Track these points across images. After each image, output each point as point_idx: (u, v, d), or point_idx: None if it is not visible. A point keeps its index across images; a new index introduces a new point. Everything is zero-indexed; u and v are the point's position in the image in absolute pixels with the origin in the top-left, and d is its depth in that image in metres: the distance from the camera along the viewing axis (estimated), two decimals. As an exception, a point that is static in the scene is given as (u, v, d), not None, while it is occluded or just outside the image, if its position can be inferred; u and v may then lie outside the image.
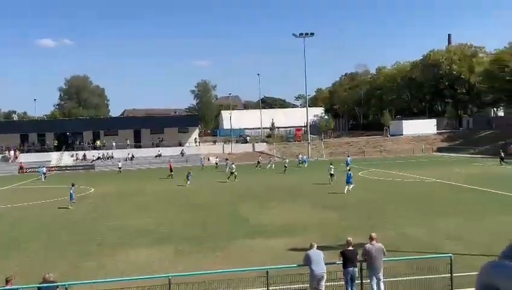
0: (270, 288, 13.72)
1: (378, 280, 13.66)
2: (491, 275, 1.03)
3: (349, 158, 42.14)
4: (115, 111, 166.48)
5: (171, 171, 53.88)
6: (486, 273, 1.05)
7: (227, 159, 65.03)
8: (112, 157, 78.00)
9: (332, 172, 42.09)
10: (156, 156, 78.78)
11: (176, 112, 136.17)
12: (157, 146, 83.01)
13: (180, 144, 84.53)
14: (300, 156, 67.47)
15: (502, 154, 57.90)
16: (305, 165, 61.09)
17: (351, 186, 35.38)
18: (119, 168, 65.06)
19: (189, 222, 26.54)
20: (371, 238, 14.15)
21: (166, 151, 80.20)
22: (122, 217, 29.01)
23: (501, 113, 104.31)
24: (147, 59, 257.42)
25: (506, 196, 31.40)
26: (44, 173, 60.39)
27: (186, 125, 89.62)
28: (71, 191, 34.03)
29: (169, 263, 18.30)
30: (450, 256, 14.29)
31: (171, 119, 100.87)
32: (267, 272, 13.81)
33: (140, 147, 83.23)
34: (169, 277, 13.62)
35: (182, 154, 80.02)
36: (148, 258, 19.19)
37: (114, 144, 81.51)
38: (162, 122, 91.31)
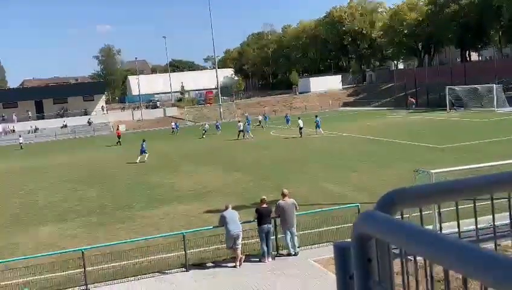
0: (188, 251, 13.75)
1: (292, 234, 14.07)
2: (365, 225, 1.08)
3: (318, 118, 43.19)
4: (13, 82, 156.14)
5: (119, 137, 51.26)
6: (359, 223, 1.10)
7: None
8: (14, 131, 73.54)
9: (241, 128, 45.14)
10: (62, 127, 75.25)
11: (77, 80, 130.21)
12: (61, 116, 79.26)
13: (86, 113, 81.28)
14: (216, 122, 66.00)
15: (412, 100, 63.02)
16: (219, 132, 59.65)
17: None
18: (20, 143, 59.50)
19: (101, 193, 25.81)
20: (283, 195, 14.49)
21: (72, 121, 76.79)
22: (30, 193, 27.63)
23: (401, 66, 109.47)
24: (44, 28, 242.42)
25: (407, 144, 33.28)
26: None
27: (91, 93, 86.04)
28: None
29: (82, 236, 17.76)
30: (358, 205, 15.00)
31: (74, 87, 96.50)
32: (183, 235, 13.80)
33: (43, 118, 79.04)
34: (83, 250, 13.26)
35: (89, 123, 77.02)
36: (59, 233, 18.51)
37: (15, 117, 76.81)
38: (64, 91, 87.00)
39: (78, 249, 13.55)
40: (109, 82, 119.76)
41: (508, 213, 1.41)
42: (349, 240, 1.18)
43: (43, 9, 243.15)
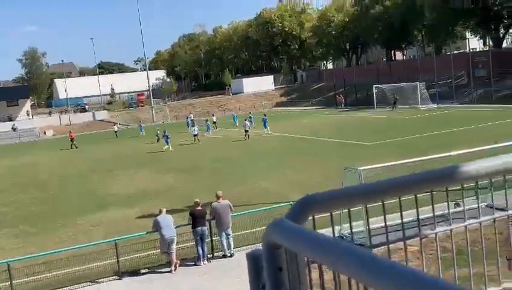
0: (121, 259, 13.46)
1: (227, 235, 14.10)
2: (273, 234, 1.09)
3: (265, 118, 43.37)
4: None
5: (72, 140, 48.88)
6: (269, 232, 1.11)
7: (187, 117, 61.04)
8: None
9: (157, 134, 43.98)
10: (-16, 134, 71.42)
11: (0, 84, 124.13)
12: (-16, 123, 75.31)
13: (11, 119, 77.64)
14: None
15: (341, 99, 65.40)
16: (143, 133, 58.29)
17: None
18: None
19: (32, 201, 24.75)
20: (217, 196, 14.49)
21: (-5, 128, 73.11)
22: None
23: (330, 66, 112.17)
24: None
25: (338, 142, 34.18)
26: None
27: (15, 98, 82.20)
28: None
29: (10, 247, 16.97)
30: (291, 204, 15.23)
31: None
32: (115, 243, 13.49)
33: (-37, 125, 74.75)
34: (8, 263, 12.68)
35: (14, 129, 73.58)
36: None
37: None
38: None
39: (3, 262, 12.94)
40: (34, 86, 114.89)
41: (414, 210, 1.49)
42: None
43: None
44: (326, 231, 1.35)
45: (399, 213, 1.60)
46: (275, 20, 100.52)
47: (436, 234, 1.67)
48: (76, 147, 47.77)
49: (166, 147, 39.24)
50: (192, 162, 32.04)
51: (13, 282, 12.38)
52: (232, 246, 14.12)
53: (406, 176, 1.35)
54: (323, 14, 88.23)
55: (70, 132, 53.27)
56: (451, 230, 1.73)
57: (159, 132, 45.38)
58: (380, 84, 59.19)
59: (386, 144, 30.67)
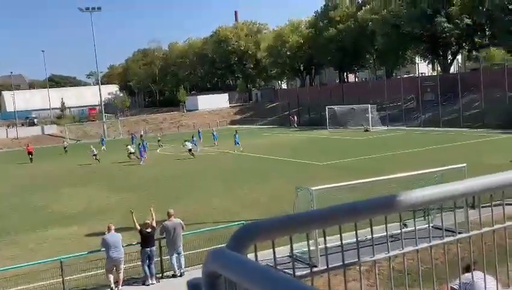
0: (66, 278, 12.99)
1: (178, 254, 13.86)
2: (214, 263, 1.08)
3: (237, 135, 42.15)
4: None
5: (31, 154, 46.57)
6: (209, 261, 1.11)
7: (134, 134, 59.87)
8: None
9: (132, 150, 42.01)
10: None
11: None
12: None
13: (-46, 131, 74.53)
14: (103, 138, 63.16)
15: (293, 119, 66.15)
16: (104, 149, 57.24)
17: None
18: None
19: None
20: (169, 215, 14.26)
21: None
22: None
23: (285, 86, 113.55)
24: None
25: (290, 161, 34.43)
26: None
27: (-41, 109, 79.13)
28: None
29: None
30: (243, 223, 15.15)
31: None
32: (60, 262, 13.03)
33: None
34: None
35: (-43, 142, 70.57)
36: None
37: None
38: None
39: None
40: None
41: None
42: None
43: None
44: (270, 252, 1.36)
45: (352, 232, 1.59)
46: (231, 38, 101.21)
47: (389, 257, 1.67)
48: (32, 161, 45.84)
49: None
50: (145, 179, 31.50)
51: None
52: (183, 265, 13.88)
53: (355, 203, 1.35)
54: (279, 35, 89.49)
55: (28, 145, 50.44)
56: (403, 254, 1.73)
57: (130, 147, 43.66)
58: (333, 105, 60.31)
59: (338, 165, 31.13)
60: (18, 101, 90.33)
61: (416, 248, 1.78)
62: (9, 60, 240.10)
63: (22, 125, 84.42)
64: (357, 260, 1.54)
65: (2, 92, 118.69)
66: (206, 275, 1.10)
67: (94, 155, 41.83)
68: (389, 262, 1.74)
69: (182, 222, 14.28)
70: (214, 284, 1.09)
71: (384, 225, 1.73)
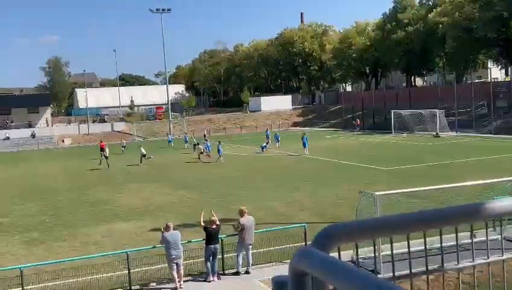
0: (132, 270, 13.45)
1: (247, 251, 14.03)
2: (301, 262, 1.08)
3: (305, 138, 41.75)
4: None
5: (102, 150, 45.33)
6: (296, 260, 1.10)
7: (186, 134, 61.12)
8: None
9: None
10: (4, 139, 72.49)
11: (22, 91, 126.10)
12: (4, 128, 76.42)
13: (31, 125, 78.75)
14: (169, 136, 65.13)
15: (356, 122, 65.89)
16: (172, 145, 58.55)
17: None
18: None
19: (43, 209, 24.92)
20: (243, 212, 14.43)
21: (15, 134, 74.17)
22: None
23: (349, 89, 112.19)
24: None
25: (352, 165, 33.97)
26: None
27: (36, 105, 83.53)
28: None
29: (21, 253, 17.07)
30: (304, 226, 15.14)
31: (18, 98, 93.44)
32: (127, 255, 13.50)
33: (-16, 129, 76.01)
34: (21, 268, 12.75)
35: (33, 136, 74.60)
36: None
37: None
38: (8, 102, 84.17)
39: (16, 267, 13.01)
40: (56, 94, 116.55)
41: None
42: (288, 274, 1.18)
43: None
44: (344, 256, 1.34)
45: (410, 241, 1.58)
46: (296, 40, 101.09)
47: (459, 270, 1.65)
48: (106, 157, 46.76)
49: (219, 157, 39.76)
50: (203, 178, 32.06)
51: (24, 288, 12.42)
52: (251, 263, 14.06)
53: (432, 210, 1.34)
54: (345, 37, 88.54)
55: (100, 141, 51.66)
56: (474, 266, 1.70)
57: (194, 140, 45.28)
58: (399, 110, 58.95)
59: (402, 171, 30.42)
60: (90, 98, 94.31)
61: (488, 260, 1.75)
62: (83, 59, 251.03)
63: (93, 121, 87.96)
64: (424, 269, 1.54)
65: (76, 89, 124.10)
66: (293, 273, 1.10)
67: (143, 156, 40.81)
68: (458, 274, 1.72)
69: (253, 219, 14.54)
70: (300, 282, 1.08)
71: (453, 234, 1.70)
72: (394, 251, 2.09)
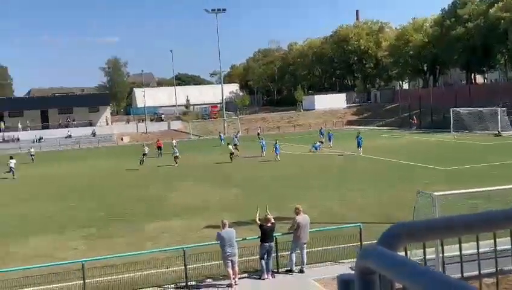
0: (188, 266, 13.69)
1: (302, 250, 14.01)
2: (367, 261, 1.07)
3: (360, 137, 41.37)
4: (19, 91, 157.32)
5: (159, 149, 48.37)
6: (363, 258, 1.10)
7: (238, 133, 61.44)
8: (18, 139, 73.82)
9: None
10: (66, 137, 75.53)
11: (83, 91, 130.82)
12: (66, 126, 79.58)
13: (91, 124, 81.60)
14: (221, 134, 66.05)
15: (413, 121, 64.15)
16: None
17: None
18: (32, 155, 51.41)
19: (102, 205, 25.77)
20: (298, 210, 14.43)
21: (76, 132, 77.12)
22: (33, 202, 27.65)
23: (406, 86, 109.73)
24: (51, 37, 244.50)
25: (409, 165, 33.20)
26: None
27: (96, 104, 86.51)
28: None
29: (81, 247, 17.73)
30: (359, 225, 14.95)
31: (80, 98, 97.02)
32: (183, 251, 13.75)
33: (48, 127, 79.42)
34: (83, 262, 13.22)
35: (93, 134, 77.31)
36: (59, 244, 18.47)
37: (19, 125, 77.17)
38: (70, 102, 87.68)
39: (78, 261, 13.52)
40: (115, 94, 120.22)
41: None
42: (353, 271, 1.18)
43: (52, 20, 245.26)
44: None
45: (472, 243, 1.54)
46: (351, 38, 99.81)
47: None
48: (161, 156, 47.05)
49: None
50: (255, 176, 32.21)
51: (86, 281, 12.89)
52: (305, 262, 14.04)
53: (501, 211, 1.32)
54: (402, 34, 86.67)
55: (157, 140, 53.08)
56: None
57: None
58: (458, 108, 57.12)
59: (461, 170, 29.47)
60: (147, 98, 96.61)
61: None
62: (141, 59, 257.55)
63: (151, 120, 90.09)
64: (477, 273, 1.49)
65: (134, 89, 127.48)
66: (360, 271, 1.09)
67: (176, 157, 40.70)
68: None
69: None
70: (367, 280, 1.08)
71: (508, 238, 1.64)
72: (452, 253, 2.05)
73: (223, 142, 55.14)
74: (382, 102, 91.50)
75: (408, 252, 1.41)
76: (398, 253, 1.13)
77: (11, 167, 37.68)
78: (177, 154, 40.69)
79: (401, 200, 21.22)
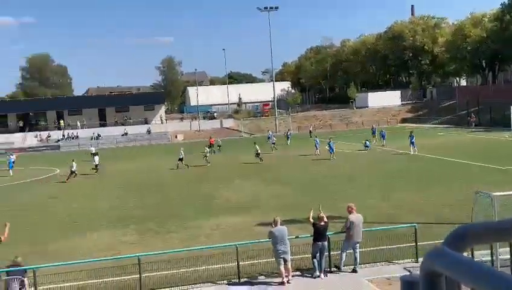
0: (241, 263, 13.81)
1: (355, 249, 13.88)
2: (433, 262, 1.06)
3: (413, 136, 40.93)
4: (78, 90, 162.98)
5: (211, 146, 49.71)
6: (428, 260, 1.08)
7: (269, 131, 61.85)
8: (77, 137, 76.60)
9: (259, 151, 40.88)
10: (123, 135, 77.74)
11: (139, 90, 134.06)
12: (122, 124, 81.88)
13: (146, 122, 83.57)
14: (270, 132, 65.67)
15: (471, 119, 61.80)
16: (288, 143, 58.56)
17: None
18: (92, 154, 47.89)
19: (157, 201, 26.38)
20: (351, 209, 14.30)
21: (132, 129, 79.25)
22: (91, 198, 28.66)
23: (464, 83, 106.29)
24: (109, 37, 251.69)
25: (467, 164, 32.17)
26: (13, 162, 44.46)
27: (151, 103, 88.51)
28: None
29: (138, 242, 18.21)
30: (415, 226, 14.64)
31: (136, 96, 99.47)
32: (236, 247, 13.88)
33: (105, 125, 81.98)
34: (139, 257, 13.56)
35: (148, 132, 79.18)
36: (116, 238, 19.05)
37: (79, 123, 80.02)
38: (127, 100, 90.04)
39: (135, 255, 13.89)
40: (169, 92, 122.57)
41: None
42: (413, 273, 1.16)
43: (109, 20, 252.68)
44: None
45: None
46: (407, 34, 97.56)
47: None
48: (214, 153, 48.22)
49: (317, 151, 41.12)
50: (307, 175, 32.07)
51: (142, 275, 13.23)
52: (359, 261, 13.90)
53: None
54: (459, 29, 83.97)
55: (210, 137, 54.63)
56: None
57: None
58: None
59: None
60: (200, 96, 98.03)
61: None
62: (194, 58, 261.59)
63: (204, 118, 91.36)
64: None
65: (188, 87, 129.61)
66: (425, 273, 1.07)
67: (205, 157, 40.98)
68: None
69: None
70: (433, 283, 1.06)
71: None
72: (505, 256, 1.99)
73: (270, 140, 55.23)
74: (438, 99, 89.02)
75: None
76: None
77: (96, 164, 39.39)
78: (259, 152, 40.22)
79: (458, 200, 20.63)
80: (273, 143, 47.68)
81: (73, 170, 36.56)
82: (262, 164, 38.94)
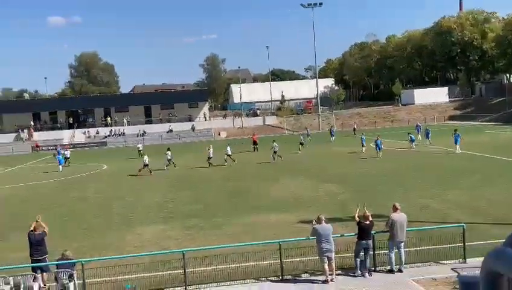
0: (284, 260, 13.82)
1: (399, 249, 13.67)
2: (495, 262, 1.05)
3: (458, 134, 40.26)
4: (124, 87, 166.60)
5: (255, 144, 50.37)
6: (490, 260, 1.07)
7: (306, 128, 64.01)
8: (124, 134, 78.35)
9: (276, 149, 40.46)
10: (168, 132, 79.01)
11: (184, 87, 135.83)
12: (167, 121, 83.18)
13: (190, 119, 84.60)
14: (308, 130, 65.19)
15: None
16: (332, 140, 57.99)
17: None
18: (140, 151, 51.11)
19: (200, 197, 26.68)
20: (396, 208, 14.09)
21: (177, 126, 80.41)
22: (138, 193, 29.26)
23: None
24: (154, 36, 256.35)
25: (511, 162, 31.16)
26: (67, 158, 46.92)
27: (196, 100, 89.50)
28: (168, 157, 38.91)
29: (182, 238, 18.47)
30: (463, 226, 14.29)
31: (180, 94, 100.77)
32: (279, 244, 13.90)
33: (151, 122, 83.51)
34: (184, 252, 13.76)
35: (193, 128, 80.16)
36: (162, 233, 19.38)
37: (125, 120, 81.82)
38: (172, 98, 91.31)
39: (180, 251, 14.10)
40: (213, 90, 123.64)
41: None
42: (467, 273, 1.14)
43: (154, 19, 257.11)
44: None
45: None
46: (455, 29, 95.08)
47: None
48: (257, 150, 48.47)
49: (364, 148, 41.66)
50: (350, 172, 31.74)
51: (186, 270, 13.43)
52: (404, 261, 13.68)
53: None
54: (509, 24, 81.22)
55: (253, 134, 54.86)
56: None
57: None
58: None
59: None
60: (243, 93, 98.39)
61: None
62: (238, 55, 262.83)
63: (247, 115, 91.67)
64: None
65: (231, 85, 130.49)
66: (487, 274, 1.06)
67: (228, 155, 40.59)
68: None
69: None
70: (494, 283, 1.04)
71: None
72: None
73: (309, 138, 55.38)
74: (487, 96, 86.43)
75: None
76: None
77: (169, 159, 39.45)
78: (276, 150, 40.30)
79: (505, 199, 20.03)
80: (301, 143, 46.83)
81: (146, 163, 37.08)
82: (306, 161, 38.80)
